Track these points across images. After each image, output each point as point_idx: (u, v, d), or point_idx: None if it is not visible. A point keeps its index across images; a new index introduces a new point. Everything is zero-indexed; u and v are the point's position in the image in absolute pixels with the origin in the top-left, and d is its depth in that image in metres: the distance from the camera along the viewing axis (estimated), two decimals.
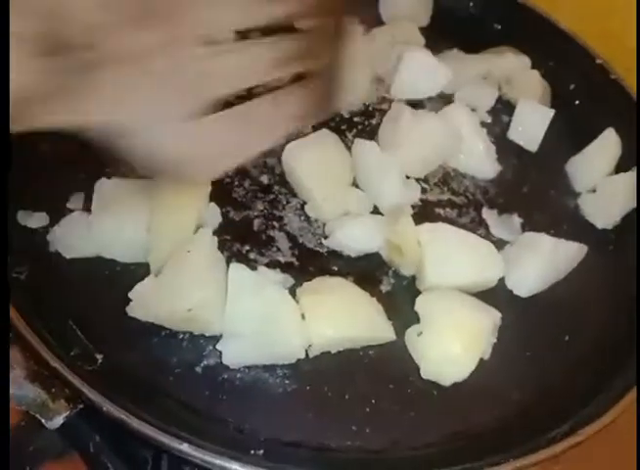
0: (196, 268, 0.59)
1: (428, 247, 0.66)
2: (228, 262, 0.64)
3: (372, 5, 0.98)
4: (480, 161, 0.80)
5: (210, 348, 0.62)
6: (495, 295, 0.70)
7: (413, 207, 0.76)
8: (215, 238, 0.63)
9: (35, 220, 0.68)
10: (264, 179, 0.76)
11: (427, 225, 0.68)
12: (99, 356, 0.59)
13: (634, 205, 0.81)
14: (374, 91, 0.88)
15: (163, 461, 0.61)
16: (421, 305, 0.63)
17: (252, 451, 0.54)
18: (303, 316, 0.61)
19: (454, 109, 0.80)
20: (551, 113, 0.84)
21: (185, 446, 0.50)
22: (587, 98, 0.93)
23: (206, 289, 0.58)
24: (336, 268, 0.70)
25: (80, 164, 0.73)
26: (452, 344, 0.62)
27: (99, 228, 0.65)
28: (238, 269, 0.62)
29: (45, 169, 0.73)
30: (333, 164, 0.74)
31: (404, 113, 0.77)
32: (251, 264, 0.67)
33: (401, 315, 0.66)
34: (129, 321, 0.61)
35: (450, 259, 0.66)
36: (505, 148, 0.85)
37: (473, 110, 0.87)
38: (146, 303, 0.59)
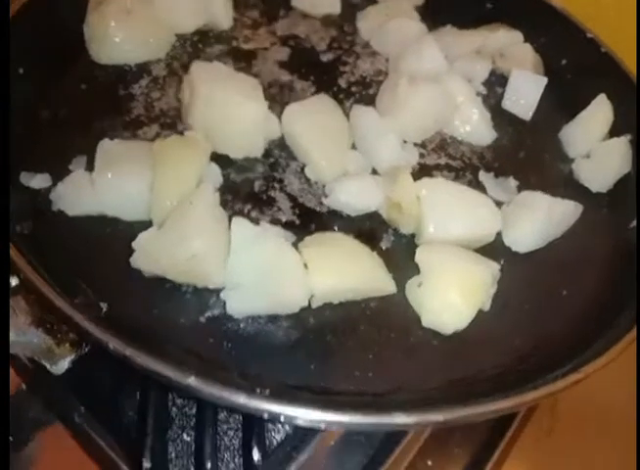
0: (197, 219, 0.60)
1: (426, 201, 0.67)
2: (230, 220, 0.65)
3: None
4: (475, 127, 0.82)
5: (214, 299, 0.63)
6: (494, 251, 0.71)
7: (411, 170, 0.77)
8: (217, 193, 0.64)
9: (38, 181, 0.69)
10: (265, 144, 0.77)
11: (425, 180, 0.69)
12: (103, 305, 0.60)
13: (628, 169, 0.83)
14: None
15: (149, 428, 0.61)
16: (421, 255, 0.64)
17: (258, 390, 0.54)
18: (306, 267, 0.62)
19: (450, 78, 0.82)
20: (544, 80, 0.86)
21: (192, 380, 0.50)
22: (579, 71, 0.94)
23: (208, 238, 0.59)
24: (336, 227, 0.71)
25: (82, 129, 0.75)
26: (452, 293, 0.63)
27: (101, 186, 0.66)
28: (240, 223, 0.63)
29: (47, 134, 0.74)
30: (331, 127, 0.75)
31: (402, 80, 0.79)
32: (253, 222, 0.67)
33: (401, 270, 0.68)
34: (133, 274, 0.62)
35: (449, 213, 0.67)
36: (500, 117, 0.87)
37: (468, 81, 0.89)
38: (148, 253, 0.60)
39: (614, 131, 0.86)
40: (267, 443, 0.68)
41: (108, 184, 0.65)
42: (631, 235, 0.77)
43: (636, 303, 0.65)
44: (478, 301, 0.63)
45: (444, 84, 0.81)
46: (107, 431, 0.67)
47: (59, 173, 0.69)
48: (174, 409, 0.69)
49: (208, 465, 0.62)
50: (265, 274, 0.61)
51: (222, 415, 0.69)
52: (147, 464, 0.61)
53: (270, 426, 0.69)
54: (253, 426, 0.66)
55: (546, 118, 0.89)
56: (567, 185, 0.82)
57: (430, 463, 0.73)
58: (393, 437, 0.71)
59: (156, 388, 0.66)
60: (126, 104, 0.80)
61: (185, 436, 0.68)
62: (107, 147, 0.69)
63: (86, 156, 0.71)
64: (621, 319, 0.64)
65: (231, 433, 0.69)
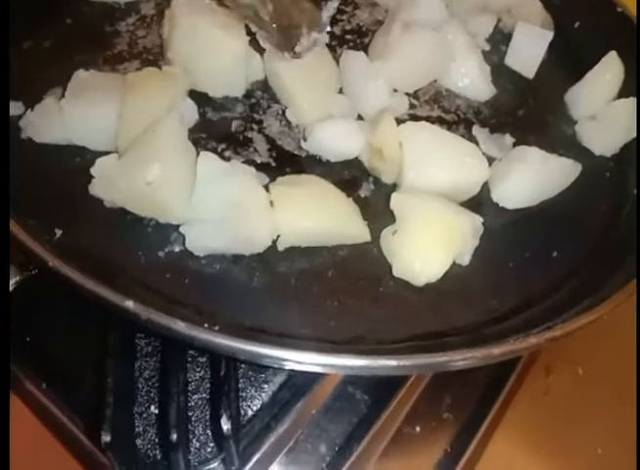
0: (159, 146, 0.57)
1: (408, 146, 0.63)
2: None
3: None
4: (473, 81, 0.77)
5: (176, 235, 0.60)
6: (481, 206, 0.67)
7: (401, 121, 0.73)
8: (185, 126, 0.61)
9: (11, 109, 0.66)
10: (247, 84, 0.74)
11: (409, 124, 0.65)
12: (57, 231, 0.57)
13: (635, 134, 0.77)
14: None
15: (108, 398, 0.57)
16: (396, 202, 0.61)
17: (206, 325, 0.51)
18: (272, 205, 0.59)
19: (449, 26, 0.77)
20: (549, 35, 0.81)
21: (130, 303, 0.47)
22: (592, 33, 0.88)
23: (167, 166, 0.56)
24: (314, 172, 0.67)
25: (62, 61, 0.72)
26: (425, 242, 0.59)
27: (70, 114, 0.63)
28: (207, 157, 0.60)
29: (26, 65, 0.72)
30: (317, 69, 0.72)
31: (395, 25, 0.75)
32: (226, 160, 0.64)
33: (379, 219, 0.64)
34: (95, 204, 0.60)
35: (431, 160, 0.63)
36: (502, 73, 0.82)
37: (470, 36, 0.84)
38: (107, 179, 0.57)
39: (624, 93, 0.80)
40: (242, 413, 0.63)
41: (76, 112, 0.63)
42: (632, 202, 0.72)
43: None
44: (452, 252, 0.59)
45: (442, 33, 0.76)
46: (64, 401, 0.63)
47: (32, 102, 0.67)
48: (141, 381, 0.63)
49: (174, 437, 0.55)
50: (229, 211, 0.58)
51: (193, 385, 0.64)
52: (106, 438, 0.54)
53: (246, 394, 0.64)
54: (222, 395, 0.61)
55: (553, 79, 0.84)
56: (568, 146, 0.76)
57: (418, 430, 0.69)
58: (379, 403, 0.68)
59: (117, 355, 0.61)
60: (110, 40, 0.77)
61: (153, 408, 0.62)
62: (81, 77, 0.67)
63: (62, 87, 0.68)
64: (606, 287, 0.59)
65: (202, 404, 0.63)
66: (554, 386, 0.71)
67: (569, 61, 0.87)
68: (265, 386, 0.64)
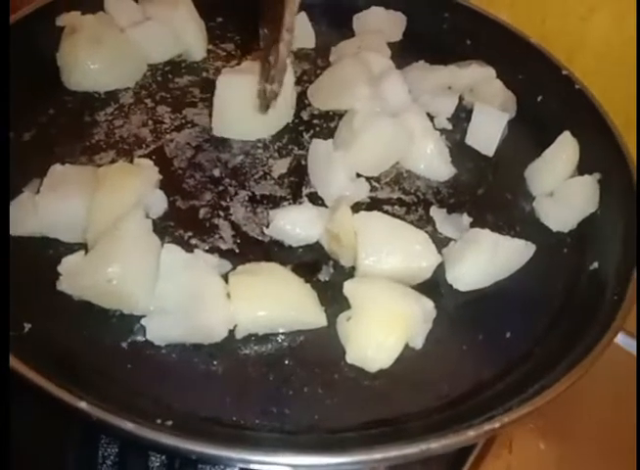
0: (120, 245, 0.61)
1: (361, 234, 0.66)
2: None
3: None
4: (432, 162, 0.81)
5: (139, 325, 0.63)
6: (436, 288, 0.70)
7: (362, 203, 0.77)
8: (149, 220, 0.65)
9: None
10: (216, 172, 0.79)
11: (362, 214, 0.68)
12: (27, 325, 0.60)
13: (593, 209, 0.80)
14: None
15: None
16: (348, 288, 0.63)
17: (159, 420, 0.53)
18: (229, 296, 0.61)
19: (408, 112, 0.81)
20: (505, 116, 0.84)
21: (83, 404, 0.50)
22: (553, 108, 0.93)
23: (128, 264, 0.59)
24: (276, 257, 0.71)
25: (43, 153, 0.77)
26: (376, 329, 0.61)
27: (43, 207, 0.67)
28: (171, 249, 0.64)
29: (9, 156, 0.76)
30: None
31: (357, 115, 0.79)
32: (190, 249, 0.68)
33: (337, 304, 0.66)
34: (64, 297, 0.63)
35: (383, 247, 0.66)
36: (463, 152, 0.86)
37: (433, 117, 0.88)
38: (72, 276, 0.61)
39: (585, 169, 0.84)
40: None
41: (48, 206, 0.67)
42: (590, 278, 0.75)
43: None
44: (404, 337, 0.62)
45: (402, 119, 0.80)
46: None
47: (13, 195, 0.71)
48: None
49: None
50: (187, 302, 0.61)
51: None
52: None
53: None
54: None
55: (514, 155, 0.87)
56: (526, 224, 0.79)
57: None
58: None
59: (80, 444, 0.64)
60: (89, 130, 0.82)
61: None
62: (57, 171, 0.71)
63: (40, 179, 0.73)
64: (555, 371, 0.61)
65: None
66: (515, 463, 0.72)
67: (531, 136, 0.90)
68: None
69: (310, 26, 0.98)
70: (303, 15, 0.96)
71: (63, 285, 0.62)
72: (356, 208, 0.75)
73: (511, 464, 0.72)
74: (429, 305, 0.64)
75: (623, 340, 0.85)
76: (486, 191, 0.82)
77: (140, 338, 0.62)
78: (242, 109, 0.80)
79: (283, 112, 0.83)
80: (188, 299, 0.61)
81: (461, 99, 0.93)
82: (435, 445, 0.51)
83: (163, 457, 0.64)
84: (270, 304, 0.62)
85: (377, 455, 0.51)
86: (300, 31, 0.93)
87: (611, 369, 0.79)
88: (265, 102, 0.75)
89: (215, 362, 0.62)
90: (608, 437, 0.75)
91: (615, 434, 0.75)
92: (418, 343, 0.64)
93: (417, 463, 0.69)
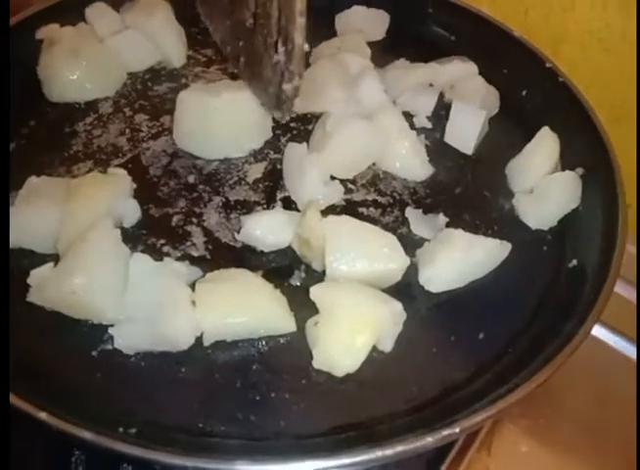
0: (88, 255, 0.61)
1: (329, 238, 0.66)
2: None
3: None
4: (408, 162, 0.80)
5: (108, 335, 0.63)
6: (408, 290, 0.69)
7: (336, 206, 0.77)
8: (118, 230, 0.66)
9: None
10: (191, 179, 0.79)
11: (331, 217, 0.68)
12: None
13: (575, 205, 0.79)
14: None
15: None
16: (315, 293, 0.63)
17: (121, 429, 0.54)
18: (194, 304, 0.62)
19: (384, 113, 0.81)
20: (483, 113, 0.83)
21: (43, 415, 0.51)
22: (537, 102, 0.91)
23: (93, 273, 0.60)
24: (248, 263, 0.71)
25: (22, 164, 0.78)
26: (342, 333, 0.61)
27: (18, 219, 0.68)
28: (139, 259, 0.65)
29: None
30: None
31: (330, 117, 0.78)
32: (161, 257, 0.68)
33: (307, 309, 0.66)
34: (36, 307, 0.64)
35: (350, 250, 0.66)
36: (442, 151, 0.85)
37: (412, 115, 0.88)
38: (41, 288, 0.62)
39: (568, 165, 0.82)
40: None
41: (22, 217, 0.68)
42: (568, 276, 0.73)
43: None
44: (369, 342, 0.61)
45: (377, 120, 0.80)
46: None
47: None
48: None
49: None
50: (153, 310, 0.61)
51: None
52: None
53: None
54: None
55: (496, 152, 0.86)
56: (504, 222, 0.78)
57: None
58: None
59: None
60: (68, 141, 0.83)
61: None
62: (32, 183, 0.72)
63: (17, 192, 0.74)
64: (524, 372, 0.60)
65: None
66: (494, 465, 0.71)
67: (515, 131, 0.89)
68: None
69: None
70: None
71: (32, 297, 0.63)
72: (331, 210, 0.75)
73: (489, 467, 0.71)
74: (397, 307, 0.64)
75: (606, 335, 0.84)
76: (464, 190, 0.81)
77: (109, 347, 0.63)
78: (200, 127, 0.79)
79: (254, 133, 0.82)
80: (154, 307, 0.61)
81: (442, 96, 0.92)
82: (390, 451, 0.51)
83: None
84: (236, 310, 0.62)
85: (332, 462, 0.50)
86: None
87: (593, 368, 0.78)
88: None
89: (183, 370, 0.62)
90: (591, 438, 0.74)
91: (598, 435, 0.74)
92: (387, 346, 0.64)
93: (391, 465, 0.69)
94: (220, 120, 0.77)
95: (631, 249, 0.92)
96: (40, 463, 0.62)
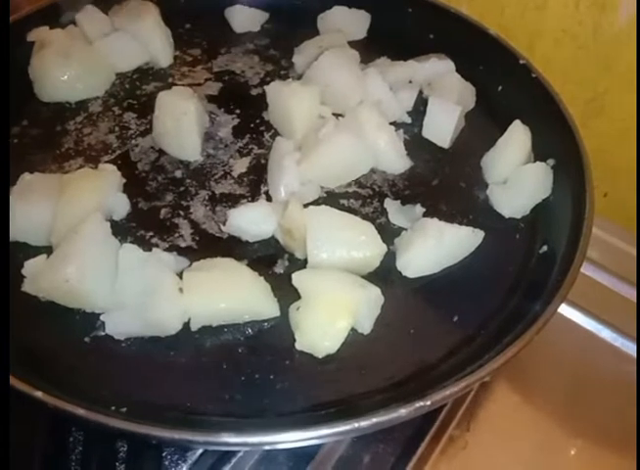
0: (78, 247, 0.65)
1: (310, 228, 0.69)
2: None
3: None
4: (386, 156, 0.83)
5: (100, 321, 0.66)
6: (387, 276, 0.73)
7: (319, 198, 0.80)
8: (108, 223, 0.69)
9: None
10: (178, 174, 0.82)
11: (311, 208, 0.71)
12: None
13: (546, 194, 0.82)
14: None
15: None
16: (296, 280, 0.67)
17: (113, 408, 0.57)
18: (182, 291, 0.65)
19: (361, 109, 0.84)
20: (458, 108, 0.87)
21: (39, 394, 0.54)
22: (512, 97, 0.95)
23: (84, 263, 0.63)
24: (234, 252, 0.74)
25: (15, 162, 0.80)
26: (321, 316, 0.64)
27: (12, 213, 0.71)
28: (128, 249, 0.68)
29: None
30: None
31: (328, 124, 0.81)
32: (150, 248, 0.71)
33: (290, 295, 0.69)
34: (30, 297, 0.67)
35: (330, 238, 0.69)
36: (420, 145, 0.89)
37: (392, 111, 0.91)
38: (35, 278, 0.65)
39: (540, 156, 0.86)
40: None
41: (16, 212, 0.71)
42: (539, 261, 0.77)
43: None
44: (347, 324, 0.65)
45: (355, 115, 0.83)
46: None
47: None
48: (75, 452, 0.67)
49: None
50: (143, 298, 0.64)
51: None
52: None
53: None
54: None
55: (471, 146, 0.90)
56: (479, 211, 0.82)
57: None
58: (299, 465, 0.72)
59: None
60: (59, 139, 0.86)
61: None
62: (26, 180, 0.75)
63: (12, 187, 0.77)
64: (492, 352, 0.64)
65: None
66: (473, 441, 0.75)
67: (491, 126, 0.92)
68: (188, 453, 0.69)
69: None
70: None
71: (26, 287, 0.66)
72: (313, 202, 0.79)
73: (468, 442, 0.75)
74: (375, 291, 0.67)
75: (581, 319, 0.88)
76: (441, 181, 0.85)
77: (101, 333, 0.66)
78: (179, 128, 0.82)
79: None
80: (143, 295, 0.65)
81: (421, 93, 0.95)
82: (366, 422, 0.54)
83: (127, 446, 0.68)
84: (221, 296, 0.66)
85: (312, 433, 0.54)
86: None
87: (570, 353, 0.82)
88: None
89: (172, 353, 0.66)
90: (568, 416, 0.78)
91: (575, 413, 0.78)
92: (366, 328, 0.67)
93: (376, 440, 0.72)
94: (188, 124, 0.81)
95: (631, 250, 0.99)
96: (41, 444, 0.65)
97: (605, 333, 0.88)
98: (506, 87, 0.96)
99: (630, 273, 0.95)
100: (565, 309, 0.89)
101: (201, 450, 0.68)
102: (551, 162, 0.84)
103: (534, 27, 1.05)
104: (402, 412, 0.55)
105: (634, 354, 0.85)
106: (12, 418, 0.59)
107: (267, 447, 0.58)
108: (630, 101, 1.01)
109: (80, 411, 0.53)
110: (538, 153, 0.86)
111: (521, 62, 0.95)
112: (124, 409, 0.58)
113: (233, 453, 0.70)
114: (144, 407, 0.60)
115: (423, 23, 1.06)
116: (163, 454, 0.66)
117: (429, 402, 0.57)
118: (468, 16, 1.04)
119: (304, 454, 0.71)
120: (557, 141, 0.85)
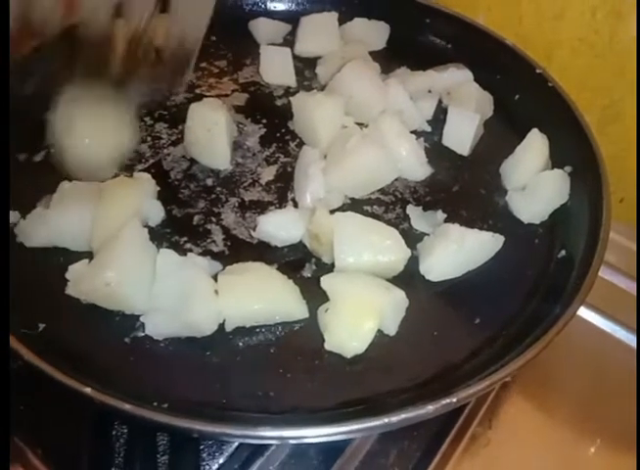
0: (118, 252, 0.68)
1: (337, 233, 0.73)
2: None
3: None
4: (408, 164, 0.86)
5: (139, 322, 0.70)
6: (411, 280, 0.76)
7: (343, 204, 0.83)
8: (146, 229, 0.72)
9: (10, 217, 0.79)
10: (209, 182, 0.86)
11: (338, 214, 0.75)
12: (41, 325, 0.69)
13: (564, 200, 0.85)
14: None
15: None
16: (325, 283, 0.70)
17: (156, 403, 0.61)
18: (217, 293, 0.69)
19: (383, 118, 0.87)
20: (477, 117, 0.90)
21: (88, 390, 0.57)
22: (529, 105, 0.98)
23: (124, 268, 0.67)
24: (264, 257, 0.77)
25: (53, 171, 0.85)
26: (350, 318, 0.68)
27: (53, 220, 0.75)
28: (165, 254, 0.72)
29: (22, 176, 0.84)
30: None
31: (354, 137, 0.83)
32: (185, 253, 0.75)
33: (318, 297, 0.72)
34: (73, 301, 0.71)
35: (356, 243, 0.72)
36: (440, 153, 0.92)
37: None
38: (77, 282, 0.69)
39: (558, 163, 0.89)
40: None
41: (58, 219, 0.75)
42: (557, 265, 0.80)
43: None
44: (374, 325, 0.68)
45: (378, 125, 0.86)
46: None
47: (26, 211, 0.79)
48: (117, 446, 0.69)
49: None
50: (180, 300, 0.68)
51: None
52: None
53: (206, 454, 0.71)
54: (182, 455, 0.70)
55: (490, 153, 0.92)
56: (499, 217, 0.85)
57: None
58: (329, 460, 0.74)
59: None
60: None
61: None
62: (65, 188, 0.79)
63: (51, 195, 0.81)
64: (513, 353, 0.66)
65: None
66: (495, 438, 0.78)
67: (508, 133, 0.95)
68: (224, 446, 0.72)
69: (292, 66, 1.03)
70: (288, 51, 1.02)
71: (70, 290, 0.69)
72: (338, 208, 0.82)
73: (490, 439, 0.77)
74: (400, 294, 0.70)
75: (608, 325, 0.91)
76: (461, 188, 0.88)
77: (140, 334, 0.70)
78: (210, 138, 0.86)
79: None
80: (181, 297, 0.68)
81: (440, 102, 0.98)
82: (395, 418, 0.57)
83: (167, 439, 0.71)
84: (255, 299, 0.69)
85: (341, 428, 0.57)
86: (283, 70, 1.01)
87: (590, 354, 0.85)
88: None
89: (208, 353, 0.69)
90: (588, 415, 0.80)
91: (594, 412, 0.80)
92: (391, 330, 0.70)
93: (403, 436, 0.75)
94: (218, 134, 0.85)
95: (632, 245, 1.02)
96: (85, 437, 0.69)
97: (621, 334, 0.90)
98: (523, 96, 0.99)
99: None
100: (582, 311, 0.92)
101: (236, 444, 0.71)
102: (568, 168, 0.87)
103: (552, 37, 1.07)
104: (430, 409, 0.58)
105: None
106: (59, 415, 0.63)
107: (303, 441, 0.61)
108: None
109: (127, 407, 0.57)
110: (556, 160, 0.89)
111: (537, 71, 0.98)
112: (165, 405, 0.61)
113: (266, 447, 0.73)
114: (182, 403, 0.63)
115: (441, 33, 1.10)
116: (201, 447, 0.70)
117: (455, 400, 0.59)
118: (485, 26, 1.07)
119: (333, 449, 0.74)
120: (574, 148, 0.88)
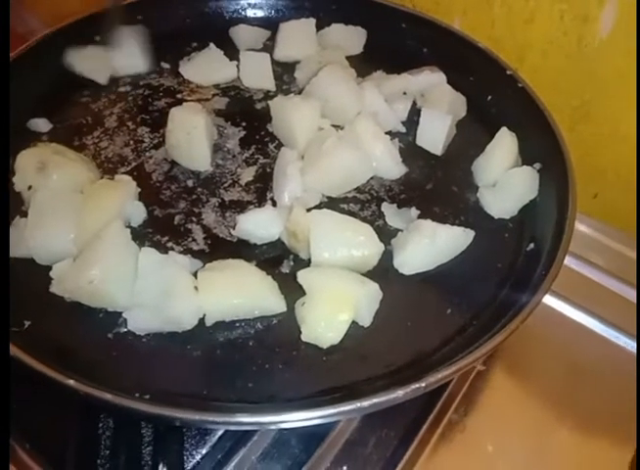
0: (101, 251, 0.71)
1: (313, 230, 0.75)
2: None
3: None
4: (382, 164, 0.89)
5: (122, 319, 0.72)
6: (385, 273, 0.79)
7: (321, 203, 0.86)
8: (128, 229, 0.75)
9: None
10: (190, 183, 0.89)
11: (314, 212, 0.77)
12: (26, 322, 0.71)
13: (533, 196, 0.88)
14: None
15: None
16: (301, 277, 0.73)
17: (137, 395, 0.63)
18: (197, 289, 0.71)
19: (358, 120, 0.90)
20: (449, 118, 0.93)
21: (72, 382, 0.60)
22: (501, 106, 1.01)
23: (106, 266, 0.69)
24: (243, 254, 0.80)
25: None
26: (325, 310, 0.70)
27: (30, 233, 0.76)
28: (147, 252, 0.74)
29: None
30: None
31: (330, 139, 0.86)
32: (166, 251, 0.77)
33: (296, 292, 0.75)
34: (57, 299, 0.73)
35: (331, 239, 0.75)
36: (414, 153, 0.95)
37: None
38: (62, 280, 0.71)
39: (527, 160, 0.92)
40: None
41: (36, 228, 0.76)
42: (526, 257, 0.83)
43: None
44: (349, 317, 0.71)
45: (353, 126, 0.89)
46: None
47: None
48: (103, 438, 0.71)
49: None
50: (161, 296, 0.70)
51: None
52: None
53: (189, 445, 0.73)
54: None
55: (462, 152, 0.96)
56: (470, 213, 0.88)
57: (345, 469, 0.79)
58: (311, 447, 0.78)
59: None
60: (79, 152, 0.92)
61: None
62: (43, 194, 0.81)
63: None
64: (480, 341, 0.69)
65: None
66: (470, 425, 0.81)
67: (481, 133, 0.98)
68: (207, 436, 0.74)
69: (271, 70, 1.05)
70: (267, 56, 1.06)
71: (54, 288, 0.72)
72: (316, 206, 0.85)
73: (466, 425, 0.80)
74: (374, 287, 0.73)
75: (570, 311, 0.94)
76: (434, 186, 0.91)
77: (123, 329, 0.72)
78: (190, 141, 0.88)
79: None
80: (162, 294, 0.71)
81: (415, 103, 1.01)
82: (367, 403, 0.60)
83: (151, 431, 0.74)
84: (234, 294, 0.72)
85: (316, 413, 0.60)
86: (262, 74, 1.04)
87: (561, 341, 0.88)
88: None
89: (189, 347, 0.71)
90: (558, 404, 0.83)
91: (564, 401, 0.83)
92: (366, 321, 0.73)
93: (381, 423, 0.78)
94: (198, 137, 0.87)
95: (620, 247, 1.05)
96: (72, 431, 0.71)
97: (592, 324, 0.93)
98: (495, 97, 1.03)
99: (619, 270, 1.01)
100: (556, 303, 0.95)
101: (219, 434, 0.73)
102: (537, 165, 0.90)
103: (523, 40, 1.11)
104: (400, 393, 0.61)
105: (620, 343, 0.91)
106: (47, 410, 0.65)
107: (280, 426, 0.63)
108: (613, 107, 1.07)
109: (108, 396, 0.59)
110: (525, 157, 0.93)
111: (508, 72, 1.01)
112: (147, 396, 0.64)
113: (249, 437, 0.75)
114: (164, 395, 0.66)
115: (416, 37, 1.13)
116: (184, 438, 0.72)
117: (423, 384, 0.62)
118: (459, 30, 1.10)
119: (314, 438, 0.77)
120: (542, 146, 0.91)
